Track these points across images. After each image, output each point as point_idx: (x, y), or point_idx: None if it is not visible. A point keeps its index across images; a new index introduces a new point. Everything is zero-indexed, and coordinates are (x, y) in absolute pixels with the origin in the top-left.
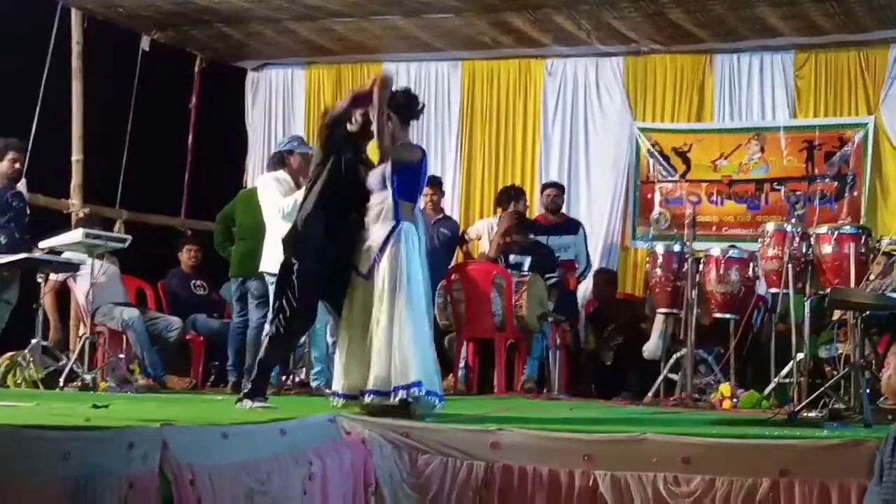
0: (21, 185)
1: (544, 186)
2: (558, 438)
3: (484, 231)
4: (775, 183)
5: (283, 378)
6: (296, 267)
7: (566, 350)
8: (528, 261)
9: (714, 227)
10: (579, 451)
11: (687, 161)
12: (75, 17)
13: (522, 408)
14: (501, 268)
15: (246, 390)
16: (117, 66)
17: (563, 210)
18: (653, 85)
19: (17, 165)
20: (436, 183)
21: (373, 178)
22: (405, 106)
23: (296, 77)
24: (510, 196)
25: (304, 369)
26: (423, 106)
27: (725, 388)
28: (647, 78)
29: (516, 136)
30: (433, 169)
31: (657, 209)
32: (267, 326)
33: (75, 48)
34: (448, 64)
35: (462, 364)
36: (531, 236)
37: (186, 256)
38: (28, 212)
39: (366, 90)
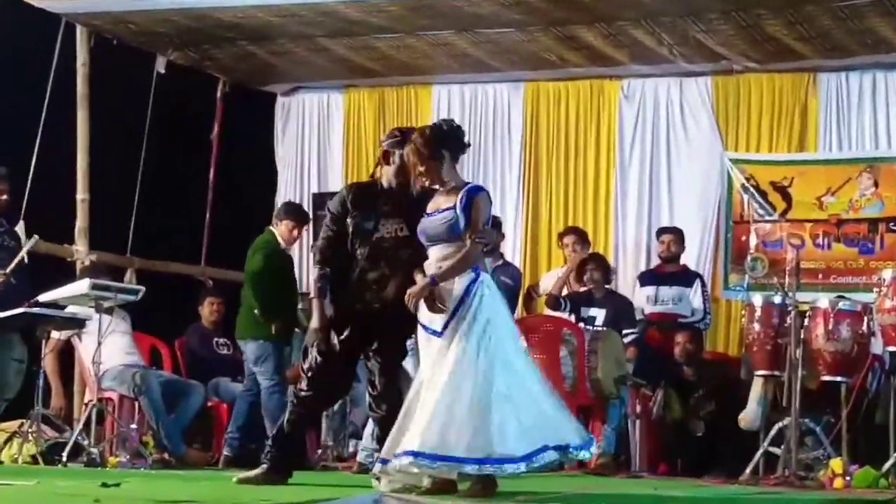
0: (19, 228)
1: (660, 232)
2: None
3: (552, 285)
4: (892, 223)
5: (319, 452)
6: None
7: (648, 419)
8: (602, 314)
9: (820, 275)
10: None
11: (787, 197)
12: (81, 35)
13: (597, 487)
14: (570, 321)
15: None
16: (129, 92)
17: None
18: (746, 109)
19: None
20: (494, 224)
21: (432, 227)
22: (454, 138)
23: (332, 102)
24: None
25: (345, 441)
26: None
27: (836, 463)
28: (739, 101)
29: (588, 169)
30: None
31: (753, 253)
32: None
33: (81, 70)
34: (508, 86)
35: None
36: (606, 286)
37: (208, 311)
38: (24, 256)
39: None
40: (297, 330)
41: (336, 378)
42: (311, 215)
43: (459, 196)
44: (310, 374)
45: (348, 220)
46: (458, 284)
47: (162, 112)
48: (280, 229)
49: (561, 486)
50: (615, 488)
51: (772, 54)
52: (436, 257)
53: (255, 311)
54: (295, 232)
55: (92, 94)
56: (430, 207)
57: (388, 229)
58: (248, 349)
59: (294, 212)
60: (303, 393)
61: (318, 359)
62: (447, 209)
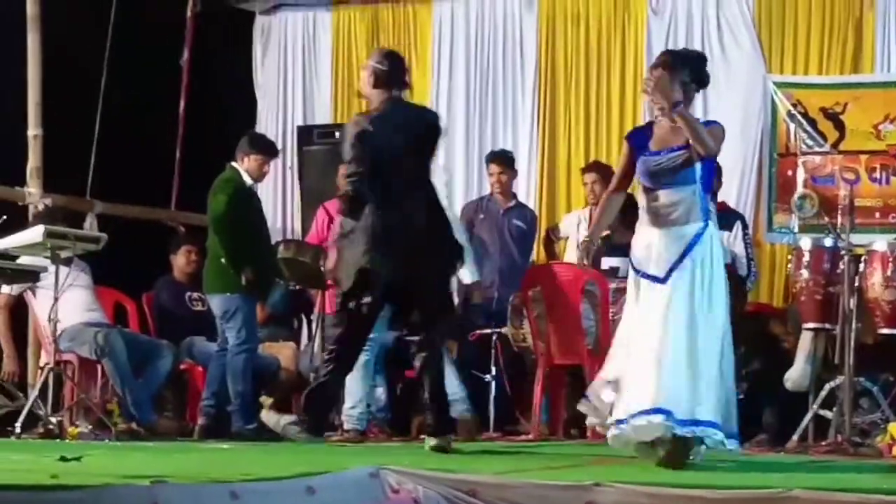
0: None
1: None
2: (674, 497)
3: (572, 228)
4: None
5: None
6: None
7: None
8: (627, 263)
9: (878, 214)
10: None
11: (840, 126)
12: None
13: (625, 456)
14: (594, 271)
15: None
16: (86, 11)
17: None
18: (793, 25)
19: None
20: (505, 159)
21: (660, 167)
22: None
23: (319, 22)
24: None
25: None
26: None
27: None
28: (785, 15)
29: (612, 95)
30: (502, 141)
31: (801, 190)
32: None
33: None
34: (520, 1)
35: (543, 399)
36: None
37: (184, 261)
38: None
39: None
40: (279, 281)
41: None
42: (296, 150)
43: None
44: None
45: None
46: (689, 231)
47: (125, 35)
48: (248, 164)
49: (584, 455)
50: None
51: None
52: (663, 203)
53: (222, 261)
54: (266, 167)
55: (44, 15)
56: (654, 144)
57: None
58: (214, 304)
59: (263, 144)
60: None
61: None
62: (679, 147)
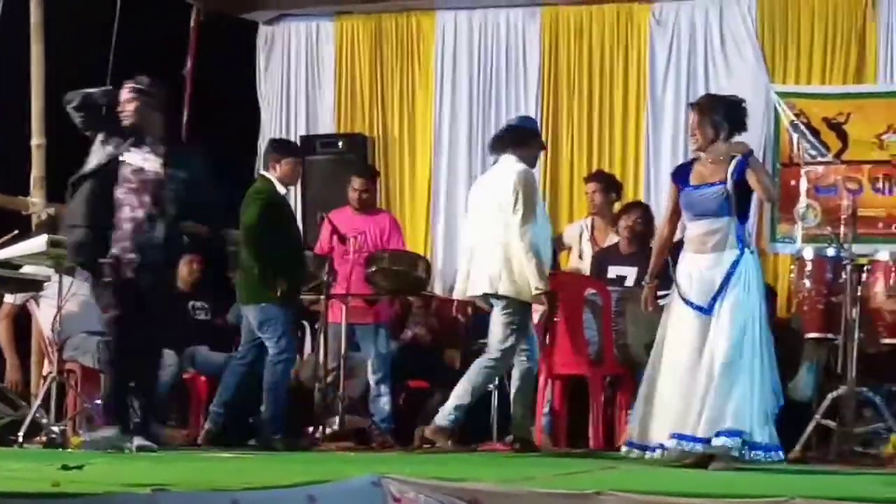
0: None
1: None
2: None
3: (575, 238)
4: None
5: (311, 429)
6: None
7: None
8: (633, 273)
9: (881, 224)
10: None
11: (843, 136)
12: None
13: (628, 466)
14: (596, 280)
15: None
16: (88, 20)
17: None
18: (796, 35)
19: None
20: None
21: (700, 201)
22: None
23: (322, 32)
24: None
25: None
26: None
27: None
28: (788, 26)
29: (615, 105)
30: None
31: (804, 200)
32: None
33: None
34: (523, 12)
35: (546, 409)
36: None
37: (186, 270)
38: None
39: None
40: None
41: None
42: None
43: (730, 170)
44: None
45: None
46: (726, 258)
47: (127, 45)
48: (282, 170)
49: (587, 465)
50: (650, 465)
51: None
52: (702, 232)
53: (255, 272)
54: (299, 168)
55: (47, 24)
56: (694, 179)
57: None
58: (251, 314)
59: (291, 146)
60: None
61: None
62: (717, 183)
